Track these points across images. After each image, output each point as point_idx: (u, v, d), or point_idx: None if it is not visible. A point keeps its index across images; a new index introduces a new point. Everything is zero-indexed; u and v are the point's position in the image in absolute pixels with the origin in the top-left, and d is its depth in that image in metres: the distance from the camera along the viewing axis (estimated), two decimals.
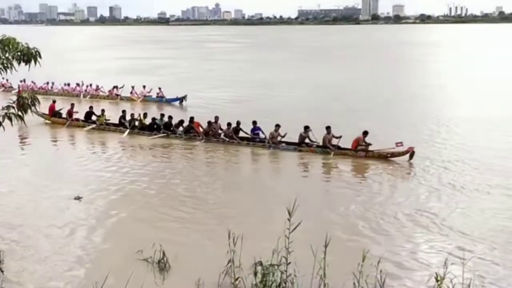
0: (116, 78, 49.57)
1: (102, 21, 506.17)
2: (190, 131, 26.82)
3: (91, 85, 43.38)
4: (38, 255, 13.52)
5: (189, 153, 24.65)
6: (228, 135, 25.85)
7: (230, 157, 23.97)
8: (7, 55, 10.44)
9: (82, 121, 30.61)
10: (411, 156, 22.32)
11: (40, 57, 10.49)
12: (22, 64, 10.55)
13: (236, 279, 11.60)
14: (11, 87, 44.60)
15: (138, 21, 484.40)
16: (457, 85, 48.76)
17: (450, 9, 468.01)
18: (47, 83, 45.00)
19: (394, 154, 22.67)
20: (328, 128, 24.15)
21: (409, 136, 25.55)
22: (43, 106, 31.96)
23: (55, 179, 20.22)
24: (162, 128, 27.50)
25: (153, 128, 27.78)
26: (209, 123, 26.44)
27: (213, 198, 17.97)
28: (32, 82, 44.17)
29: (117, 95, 41.11)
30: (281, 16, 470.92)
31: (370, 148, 23.28)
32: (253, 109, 34.65)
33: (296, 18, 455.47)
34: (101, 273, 11.16)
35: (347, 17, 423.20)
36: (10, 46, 10.41)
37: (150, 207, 17.17)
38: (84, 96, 41.96)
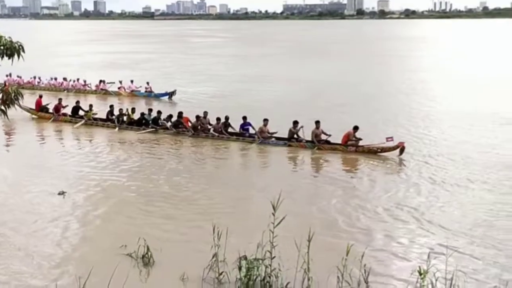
0: (99, 72, 49.40)
1: (86, 15, 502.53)
2: (179, 126, 26.72)
3: (78, 79, 42.92)
4: (21, 251, 13.43)
5: (177, 148, 24.57)
6: (218, 130, 25.69)
7: (218, 152, 23.89)
8: None
9: (69, 116, 30.25)
10: (401, 151, 22.23)
11: (23, 51, 10.40)
12: (6, 58, 10.45)
13: (221, 274, 11.62)
14: None
15: (123, 16, 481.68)
16: (438, 80, 48.94)
17: (435, 4, 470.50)
18: (34, 77, 44.56)
19: (384, 149, 22.62)
20: (317, 122, 24.04)
21: (391, 130, 25.76)
22: (30, 101, 32.01)
23: (39, 175, 20.08)
24: (151, 123, 27.38)
25: (141, 123, 27.60)
26: (198, 117, 26.32)
27: (198, 193, 17.93)
28: (18, 76, 43.78)
29: (102, 89, 40.78)
30: (266, 11, 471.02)
31: (360, 143, 23.22)
32: (237, 104, 34.60)
33: (282, 13, 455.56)
34: (85, 268, 11.12)
35: (332, 12, 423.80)
36: None
37: (134, 202, 17.11)
38: (69, 91, 41.48)
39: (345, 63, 66.45)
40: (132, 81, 40.77)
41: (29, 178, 19.64)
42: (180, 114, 27.13)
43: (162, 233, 14.42)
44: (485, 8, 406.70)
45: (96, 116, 29.49)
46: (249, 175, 21.02)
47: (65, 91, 41.48)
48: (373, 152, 22.83)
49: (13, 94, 10.55)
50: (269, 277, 11.07)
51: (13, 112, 10.69)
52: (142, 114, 27.93)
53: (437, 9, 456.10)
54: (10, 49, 10.34)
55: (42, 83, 44.02)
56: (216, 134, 25.63)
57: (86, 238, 14.28)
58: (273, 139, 24.63)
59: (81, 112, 30.11)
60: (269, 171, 21.98)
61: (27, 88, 42.38)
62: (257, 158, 23.46)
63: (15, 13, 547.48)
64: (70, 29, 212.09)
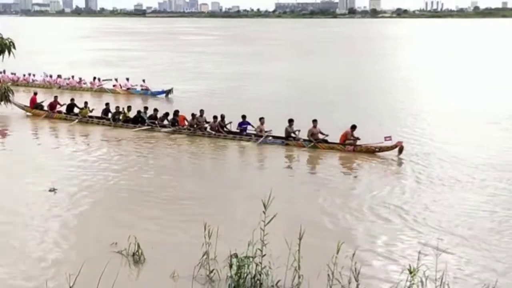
0: (90, 70, 49.19)
1: (77, 12, 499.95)
2: (175, 124, 26.59)
3: (73, 76, 42.62)
4: (12, 247, 13.39)
5: (172, 146, 24.48)
6: (214, 129, 25.60)
7: (213, 151, 23.86)
8: None
9: (64, 113, 30.04)
10: (400, 151, 22.09)
11: (14, 47, 10.36)
12: None
13: (211, 272, 11.64)
14: None
15: (114, 13, 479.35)
16: (428, 78, 49.27)
17: (426, 3, 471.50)
18: (29, 74, 44.21)
19: (382, 149, 22.49)
20: (314, 121, 23.97)
21: (380, 129, 25.76)
22: (24, 98, 31.87)
23: (31, 172, 20.00)
24: (147, 121, 27.21)
25: (137, 121, 27.47)
26: (193, 116, 26.21)
27: (190, 191, 17.93)
28: (12, 73, 43.53)
29: (98, 86, 40.55)
30: (258, 9, 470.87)
31: (358, 142, 23.12)
32: (226, 102, 34.69)
33: (274, 11, 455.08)
34: (75, 265, 11.09)
35: (324, 11, 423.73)
36: None
37: (126, 199, 17.10)
38: (64, 88, 41.11)
39: (334, 62, 66.95)
40: (128, 79, 40.54)
41: (20, 174, 19.57)
42: (176, 112, 27.00)
43: (153, 230, 14.41)
44: (476, 8, 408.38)
45: (91, 114, 29.27)
46: (242, 174, 21.00)
47: (60, 88, 41.13)
48: (371, 151, 22.70)
49: (3, 91, 10.47)
50: (260, 275, 11.08)
51: (7, 109, 10.64)
52: (139, 112, 27.79)
53: (429, 8, 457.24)
54: (0, 46, 10.30)
55: (37, 80, 43.64)
56: (213, 133, 25.51)
57: (76, 235, 14.22)
58: (270, 138, 24.53)
59: (76, 110, 29.89)
60: (264, 170, 22.00)
61: (22, 85, 42.23)
62: (252, 157, 23.38)
63: (6, 9, 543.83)
64: (61, 26, 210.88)
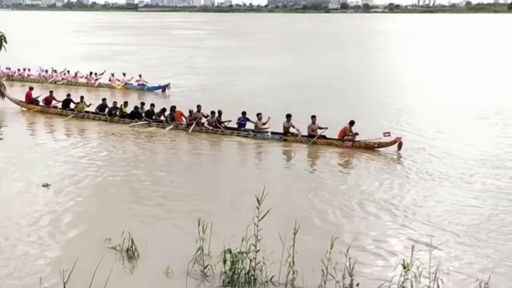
0: (82, 64, 48.99)
1: (69, 6, 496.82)
2: (172, 120, 26.43)
3: (68, 71, 42.35)
4: (5, 243, 13.33)
5: (167, 142, 24.36)
6: (212, 124, 25.50)
7: (210, 146, 23.79)
8: None
9: (60, 109, 29.85)
10: (399, 147, 22.04)
11: (5, 41, 10.33)
12: None
13: (205, 267, 11.64)
14: None
15: (106, 7, 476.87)
16: (420, 73, 49.42)
17: None
18: (24, 69, 43.87)
19: (381, 145, 22.40)
20: (313, 117, 23.87)
21: (371, 124, 25.93)
22: (20, 93, 31.68)
23: (24, 166, 19.91)
24: (144, 116, 27.10)
25: (134, 116, 27.30)
26: (191, 112, 26.07)
27: (184, 187, 17.90)
28: (7, 68, 43.26)
29: (95, 80, 40.25)
30: (250, 4, 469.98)
31: (357, 138, 23.05)
32: (217, 97, 34.63)
33: (266, 6, 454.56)
34: (69, 261, 11.09)
35: (317, 6, 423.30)
36: None
37: (119, 195, 17.05)
38: (59, 83, 40.75)
39: (324, 57, 66.91)
40: (124, 74, 40.27)
41: (13, 169, 19.50)
42: (173, 108, 26.88)
43: (147, 226, 14.39)
44: (468, 3, 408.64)
45: (87, 109, 29.08)
46: (238, 170, 20.96)
47: (56, 83, 40.76)
48: (370, 147, 22.63)
49: None
50: (254, 270, 11.12)
51: (2, 104, 10.59)
52: (136, 107, 27.61)
53: (421, 3, 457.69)
54: None
55: (32, 75, 43.27)
56: (211, 128, 25.41)
57: (70, 231, 14.17)
58: (269, 133, 24.45)
59: (72, 105, 29.65)
60: (260, 165, 21.90)
61: (17, 80, 42.00)
62: (250, 153, 23.27)
63: None
64: (52, 20, 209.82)
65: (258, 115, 24.79)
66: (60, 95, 31.53)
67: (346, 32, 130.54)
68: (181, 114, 26.57)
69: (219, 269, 11.49)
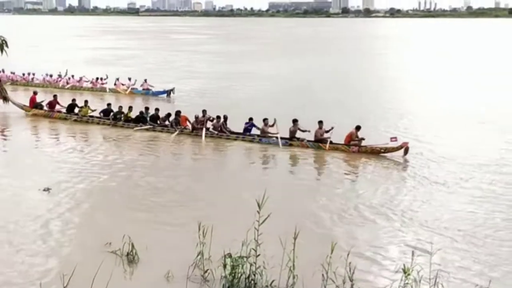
0: (85, 68, 49.01)
1: (70, 10, 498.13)
2: (177, 124, 26.34)
3: (73, 76, 42.07)
4: (5, 247, 13.32)
5: (171, 146, 24.32)
6: (217, 128, 25.42)
7: (214, 151, 23.76)
8: None
9: (64, 113, 29.74)
10: (405, 152, 21.96)
11: (7, 46, 10.35)
12: None
13: (206, 272, 11.63)
14: None
15: (108, 11, 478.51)
16: (421, 78, 49.48)
17: (420, 3, 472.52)
18: (28, 73, 43.61)
19: (387, 150, 22.32)
20: (320, 122, 23.81)
21: (372, 129, 25.88)
22: (24, 98, 31.66)
23: (26, 171, 19.94)
24: (149, 120, 27.07)
25: (139, 121, 27.26)
26: (196, 118, 25.95)
27: (186, 191, 17.89)
28: (12, 72, 43.21)
29: (101, 85, 40.15)
30: (252, 8, 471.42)
31: (363, 143, 22.99)
32: (219, 102, 34.61)
33: (267, 11, 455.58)
34: (69, 265, 11.04)
35: (318, 10, 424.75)
36: None
37: (120, 199, 17.04)
38: (64, 88, 40.45)
39: (325, 61, 67.05)
40: (129, 79, 40.06)
41: (16, 173, 19.54)
42: (178, 112, 26.79)
43: (147, 230, 14.36)
44: (469, 7, 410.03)
45: (92, 114, 29.04)
46: (241, 174, 20.84)
47: (60, 88, 40.43)
48: (376, 152, 22.56)
49: None
50: (254, 275, 11.08)
51: (6, 109, 10.60)
52: (141, 113, 27.58)
53: (422, 8, 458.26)
54: None
55: (37, 79, 43.09)
56: (216, 132, 25.34)
57: (70, 235, 14.16)
58: (274, 138, 24.30)
59: (76, 110, 29.57)
60: (263, 170, 21.80)
61: (21, 85, 41.95)
62: (254, 157, 23.14)
63: None
64: (54, 25, 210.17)
65: (265, 120, 24.70)
66: (65, 99, 31.50)
67: (347, 37, 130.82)
68: (186, 119, 26.50)
69: (219, 274, 11.47)
